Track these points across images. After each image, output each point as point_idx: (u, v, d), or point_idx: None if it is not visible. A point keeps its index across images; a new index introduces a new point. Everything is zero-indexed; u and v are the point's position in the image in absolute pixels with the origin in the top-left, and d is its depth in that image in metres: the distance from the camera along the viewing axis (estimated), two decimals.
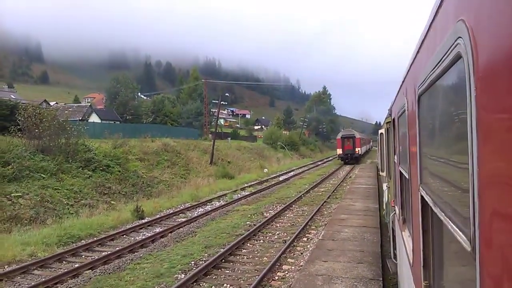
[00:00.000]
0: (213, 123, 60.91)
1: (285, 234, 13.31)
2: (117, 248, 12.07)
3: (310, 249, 11.05)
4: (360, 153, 49.27)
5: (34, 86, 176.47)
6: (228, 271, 9.86)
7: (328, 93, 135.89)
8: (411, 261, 3.20)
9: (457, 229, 1.40)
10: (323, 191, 23.49)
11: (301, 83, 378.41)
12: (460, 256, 1.59)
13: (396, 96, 5.27)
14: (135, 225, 15.49)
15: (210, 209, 18.82)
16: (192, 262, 10.43)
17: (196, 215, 17.34)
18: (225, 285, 8.93)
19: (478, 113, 1.15)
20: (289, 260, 10.58)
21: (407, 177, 3.50)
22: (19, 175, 17.97)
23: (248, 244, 12.22)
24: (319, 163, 54.36)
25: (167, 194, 23.31)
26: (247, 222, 15.13)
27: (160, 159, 30.30)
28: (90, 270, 10.30)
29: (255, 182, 29.87)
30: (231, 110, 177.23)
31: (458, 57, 1.33)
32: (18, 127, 21.46)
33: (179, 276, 9.46)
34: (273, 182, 29.76)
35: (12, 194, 16.50)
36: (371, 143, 74.69)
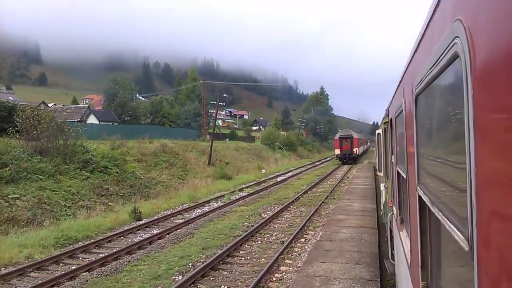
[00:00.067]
0: (211, 124, 61.02)
1: (283, 235, 13.30)
2: (114, 250, 12.04)
3: (308, 250, 11.05)
4: (358, 153, 49.55)
5: (32, 88, 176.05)
6: (225, 273, 9.85)
7: (325, 93, 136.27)
8: (409, 261, 3.19)
9: (455, 229, 1.40)
10: (321, 192, 23.50)
11: (299, 83, 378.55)
12: (458, 256, 1.59)
13: (393, 96, 5.28)
14: (132, 226, 15.45)
15: (208, 210, 18.79)
16: (190, 264, 10.42)
17: (193, 216, 17.31)
18: (222, 286, 8.93)
19: (475, 113, 1.15)
20: (287, 261, 10.57)
21: (404, 177, 3.50)
22: (17, 177, 17.92)
23: (246, 245, 12.21)
24: (317, 163, 54.40)
25: (164, 195, 23.27)
26: (245, 223, 15.12)
27: (158, 160, 30.26)
28: (87, 272, 10.26)
29: (253, 183, 29.86)
30: (229, 111, 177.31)
31: (455, 56, 1.32)
32: (16, 128, 21.44)
33: (177, 277, 9.44)
34: (271, 183, 29.76)
35: (10, 196, 16.45)
36: (368, 143, 74.91)
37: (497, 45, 0.99)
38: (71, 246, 12.97)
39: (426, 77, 1.90)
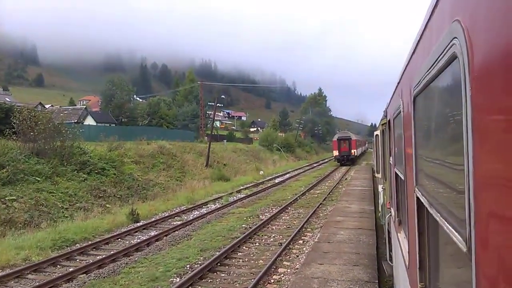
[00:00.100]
0: (209, 125, 61.00)
1: (281, 236, 13.29)
2: (112, 252, 12.01)
3: (306, 251, 11.05)
4: (356, 154, 49.82)
5: (29, 89, 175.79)
6: (223, 275, 9.84)
7: (323, 94, 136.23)
8: (407, 263, 3.19)
9: (453, 230, 1.40)
10: (319, 193, 23.51)
11: (297, 85, 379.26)
12: (456, 257, 1.59)
13: (391, 98, 5.28)
14: (130, 228, 15.40)
15: (205, 212, 18.76)
16: (188, 266, 10.40)
17: (191, 218, 17.28)
18: None
19: (473, 114, 1.15)
20: (285, 263, 10.56)
21: (402, 178, 3.50)
22: (14, 179, 17.86)
23: (244, 247, 12.20)
24: (315, 165, 54.43)
25: (162, 197, 23.23)
26: (243, 225, 15.11)
27: (155, 161, 30.22)
28: (85, 274, 10.23)
29: (251, 185, 29.84)
30: (227, 112, 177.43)
31: (454, 57, 1.32)
32: (13, 130, 21.37)
33: (175, 279, 9.42)
34: (269, 185, 29.76)
35: (7, 198, 16.39)
36: (366, 144, 75.02)
37: (495, 46, 0.98)
38: (68, 248, 12.91)
39: (424, 78, 1.90)
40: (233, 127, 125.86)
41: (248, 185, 29.36)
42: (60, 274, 10.07)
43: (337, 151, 48.55)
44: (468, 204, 1.18)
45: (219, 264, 10.49)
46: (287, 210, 18.14)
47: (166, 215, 18.13)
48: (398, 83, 3.87)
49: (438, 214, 1.67)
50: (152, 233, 14.64)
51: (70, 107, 75.80)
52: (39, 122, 21.96)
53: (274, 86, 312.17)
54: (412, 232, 2.68)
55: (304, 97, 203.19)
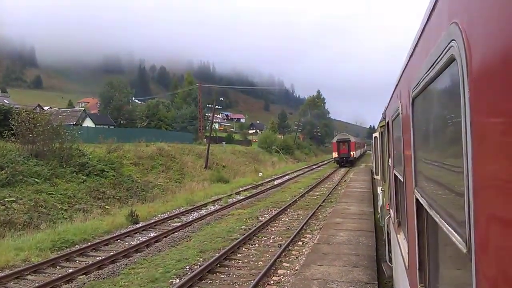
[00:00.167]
0: (207, 127, 60.97)
1: (280, 238, 13.29)
2: (111, 253, 12.00)
3: (306, 253, 11.05)
4: (355, 156, 49.99)
5: (27, 91, 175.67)
6: (223, 276, 9.83)
7: (322, 97, 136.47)
8: (406, 264, 3.19)
9: (452, 231, 1.40)
10: (318, 195, 23.50)
11: (295, 87, 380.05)
12: (456, 258, 1.59)
13: (390, 100, 5.29)
14: (129, 229, 15.40)
15: (205, 213, 18.76)
16: (187, 267, 10.39)
17: (191, 219, 17.28)
18: None
19: (472, 116, 1.15)
20: (284, 264, 10.55)
21: (401, 180, 3.51)
22: (13, 180, 17.84)
23: (243, 249, 12.19)
24: (314, 167, 54.44)
25: (161, 199, 23.22)
26: (242, 227, 15.10)
27: (154, 163, 30.19)
28: (84, 275, 10.22)
29: (250, 186, 29.84)
30: (225, 115, 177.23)
31: (452, 59, 1.33)
32: (12, 132, 21.31)
33: (174, 281, 9.41)
34: (268, 186, 29.75)
35: (6, 199, 16.36)
36: (365, 146, 75.08)
37: (493, 48, 0.99)
38: (68, 249, 12.91)
39: (422, 80, 1.90)
40: (232, 129, 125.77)
41: (247, 187, 29.36)
42: (59, 275, 10.06)
43: (337, 153, 48.84)
44: (467, 205, 1.19)
45: (218, 265, 10.48)
46: (286, 212, 18.13)
47: (166, 216, 18.13)
48: (397, 85, 3.88)
49: (438, 215, 1.68)
50: (152, 235, 14.63)
51: (69, 109, 75.75)
52: (38, 124, 21.93)
53: (273, 88, 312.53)
54: (412, 233, 2.68)
55: (303, 99, 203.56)
